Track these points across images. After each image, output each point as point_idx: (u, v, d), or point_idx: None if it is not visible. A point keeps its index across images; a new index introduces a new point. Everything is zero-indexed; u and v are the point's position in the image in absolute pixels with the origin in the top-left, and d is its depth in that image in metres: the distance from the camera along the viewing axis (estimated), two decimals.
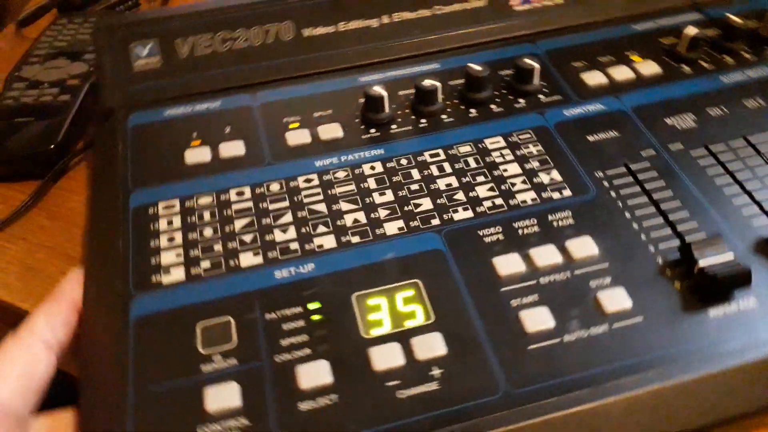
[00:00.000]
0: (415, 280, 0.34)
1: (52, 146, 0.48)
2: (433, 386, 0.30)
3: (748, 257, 0.35)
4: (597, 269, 0.35)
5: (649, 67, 0.47)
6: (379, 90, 0.43)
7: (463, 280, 0.34)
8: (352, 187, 0.39)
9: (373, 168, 0.40)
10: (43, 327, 0.32)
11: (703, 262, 0.33)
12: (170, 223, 0.38)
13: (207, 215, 0.38)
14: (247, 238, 0.37)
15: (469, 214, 0.38)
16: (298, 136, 0.43)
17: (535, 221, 0.37)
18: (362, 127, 0.43)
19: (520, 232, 0.37)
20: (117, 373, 0.31)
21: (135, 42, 0.48)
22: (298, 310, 0.33)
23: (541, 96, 0.45)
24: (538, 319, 0.32)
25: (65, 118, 0.50)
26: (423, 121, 0.44)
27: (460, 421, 0.29)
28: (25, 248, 0.44)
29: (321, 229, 0.37)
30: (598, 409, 0.29)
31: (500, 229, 0.37)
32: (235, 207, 0.39)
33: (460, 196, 0.39)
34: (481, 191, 0.39)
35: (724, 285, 0.33)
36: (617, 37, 0.50)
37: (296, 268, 0.35)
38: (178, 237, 0.37)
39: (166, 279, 0.35)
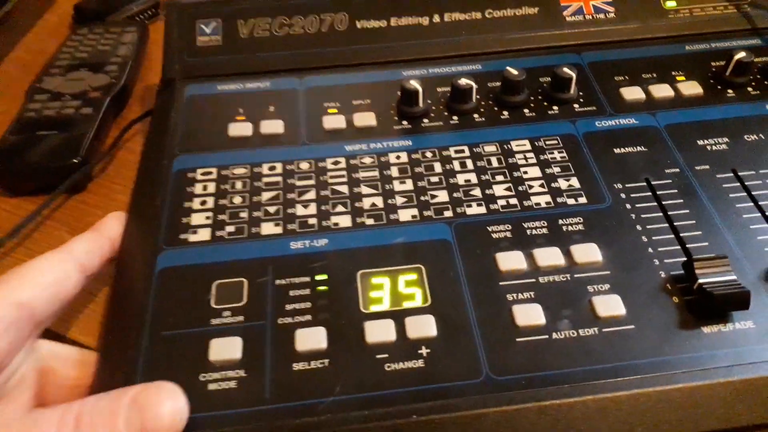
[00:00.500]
0: (418, 265, 0.36)
1: (76, 160, 0.47)
2: (419, 363, 0.32)
3: (755, 283, 0.35)
4: (597, 275, 0.35)
5: (692, 88, 0.47)
6: (414, 84, 0.44)
7: (465, 270, 0.36)
8: (376, 173, 0.42)
9: (398, 157, 0.43)
10: (81, 251, 0.36)
11: (703, 279, 0.34)
12: (205, 188, 0.41)
13: (239, 185, 0.41)
14: (272, 209, 0.40)
15: (482, 210, 0.39)
16: (334, 121, 0.45)
17: (545, 223, 0.38)
18: (395, 118, 0.46)
19: (528, 232, 0.38)
20: (137, 316, 0.34)
21: (201, 19, 0.52)
22: (306, 279, 0.36)
23: (575, 105, 0.46)
24: (530, 314, 0.34)
25: (88, 131, 0.49)
26: (455, 118, 0.45)
27: (439, 398, 0.31)
28: None
29: (339, 208, 0.39)
30: (573, 405, 0.30)
31: (509, 228, 0.38)
32: (265, 180, 0.41)
33: (476, 192, 0.40)
34: (498, 190, 0.40)
35: (722, 304, 0.33)
36: (666, 55, 0.51)
37: (311, 242, 0.38)
38: (210, 202, 0.40)
39: (192, 238, 0.38)
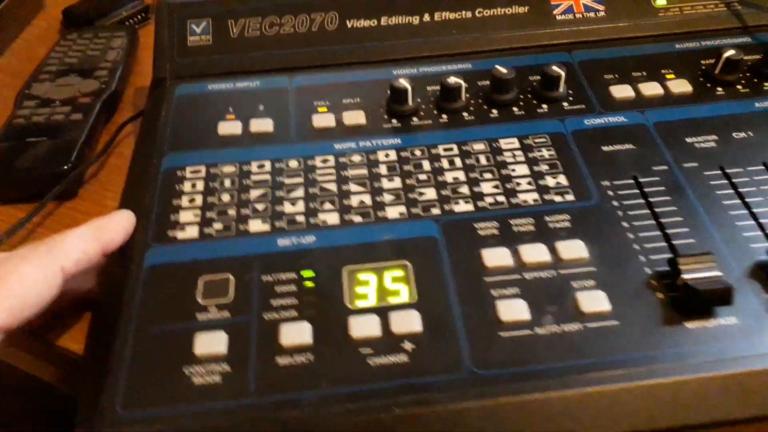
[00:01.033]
0: (405, 262, 0.36)
1: (66, 167, 0.46)
2: (403, 358, 0.32)
3: (740, 279, 0.35)
4: (582, 271, 0.36)
5: (681, 86, 0.47)
6: (403, 83, 0.45)
7: (450, 267, 0.36)
8: (364, 171, 0.42)
9: (387, 155, 0.43)
10: (70, 255, 0.34)
11: (687, 275, 0.34)
12: (194, 186, 0.41)
13: (228, 182, 0.41)
14: (260, 206, 0.40)
15: (470, 207, 0.39)
16: (323, 120, 0.46)
17: (532, 220, 0.38)
18: (385, 116, 0.46)
19: (515, 229, 0.38)
20: (124, 312, 0.35)
21: (191, 19, 0.52)
22: (292, 275, 0.36)
23: (564, 103, 0.46)
24: (514, 309, 0.34)
25: (78, 137, 0.48)
26: (444, 116, 0.46)
27: (421, 392, 0.31)
28: None
29: (327, 206, 0.40)
30: (554, 399, 0.31)
31: (496, 224, 0.38)
32: (253, 178, 0.42)
33: (464, 189, 0.40)
34: (486, 187, 0.40)
35: (705, 300, 0.33)
36: (656, 53, 0.51)
37: (298, 239, 0.38)
38: (199, 199, 0.40)
39: (180, 235, 0.38)
